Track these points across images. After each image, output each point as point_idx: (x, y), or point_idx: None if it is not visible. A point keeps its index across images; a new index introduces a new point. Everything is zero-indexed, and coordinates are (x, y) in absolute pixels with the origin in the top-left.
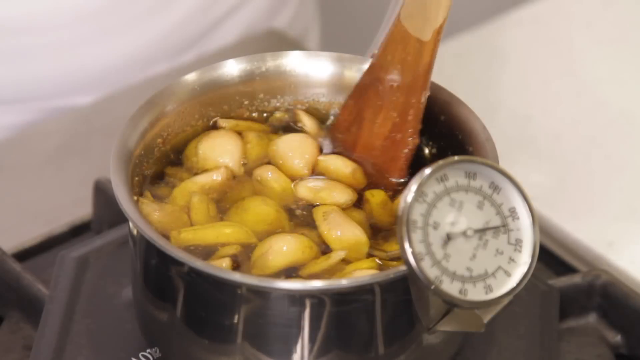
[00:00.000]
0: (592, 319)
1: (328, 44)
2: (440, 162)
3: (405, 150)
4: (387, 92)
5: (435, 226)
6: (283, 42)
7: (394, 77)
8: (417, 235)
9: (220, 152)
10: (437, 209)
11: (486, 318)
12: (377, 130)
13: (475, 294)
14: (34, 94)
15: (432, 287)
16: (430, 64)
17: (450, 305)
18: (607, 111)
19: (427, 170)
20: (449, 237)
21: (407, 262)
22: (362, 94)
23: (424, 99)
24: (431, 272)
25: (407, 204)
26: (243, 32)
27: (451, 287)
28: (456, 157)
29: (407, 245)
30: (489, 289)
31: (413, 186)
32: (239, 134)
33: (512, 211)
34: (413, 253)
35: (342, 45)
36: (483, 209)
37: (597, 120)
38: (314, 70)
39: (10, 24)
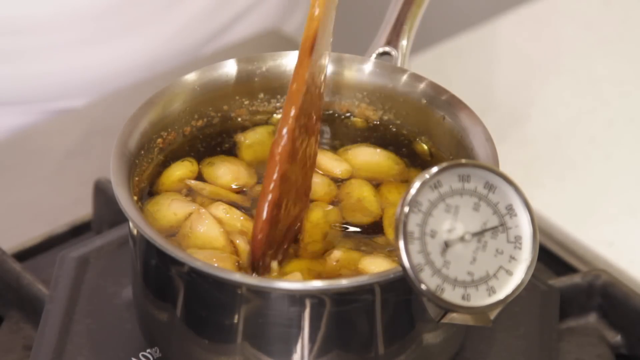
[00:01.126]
0: (592, 319)
1: (339, 48)
2: (432, 169)
3: None
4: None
5: (433, 235)
6: (283, 42)
7: None
8: (414, 247)
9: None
10: (433, 217)
11: (493, 314)
12: None
13: (478, 297)
14: (36, 96)
15: (434, 297)
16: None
17: (455, 312)
18: (607, 111)
19: (420, 180)
20: (447, 245)
21: (406, 275)
22: None
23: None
24: (432, 281)
25: (403, 215)
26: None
27: (453, 294)
28: (445, 163)
29: (405, 258)
30: (491, 290)
31: (407, 197)
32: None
33: (509, 208)
34: (412, 265)
35: (353, 50)
36: (479, 210)
37: (597, 120)
38: None
39: (12, 24)
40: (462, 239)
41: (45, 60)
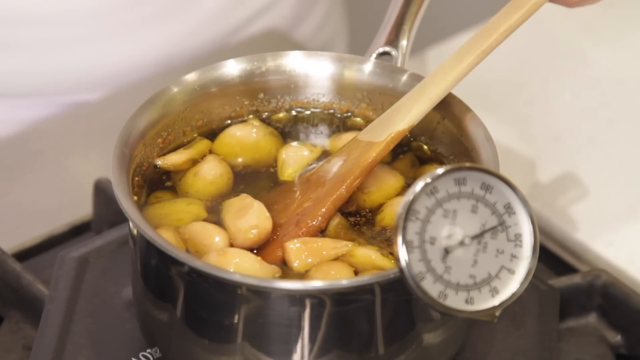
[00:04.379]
0: (592, 319)
1: (339, 48)
2: (428, 176)
3: (302, 230)
4: (312, 182)
5: (432, 241)
6: (283, 42)
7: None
8: (415, 256)
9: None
10: (432, 224)
11: (498, 311)
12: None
13: (482, 299)
14: (52, 89)
15: (437, 304)
16: (374, 160)
17: (460, 316)
18: (607, 111)
19: (416, 187)
20: (447, 251)
21: (408, 285)
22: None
23: (347, 190)
24: (434, 289)
25: (401, 225)
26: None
27: (457, 299)
28: (441, 169)
29: (406, 268)
30: (494, 291)
31: (405, 206)
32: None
33: (508, 207)
34: (413, 275)
35: (353, 50)
36: (477, 212)
37: (597, 120)
38: (314, 70)
39: (28, 16)
40: (461, 243)
41: (61, 53)
